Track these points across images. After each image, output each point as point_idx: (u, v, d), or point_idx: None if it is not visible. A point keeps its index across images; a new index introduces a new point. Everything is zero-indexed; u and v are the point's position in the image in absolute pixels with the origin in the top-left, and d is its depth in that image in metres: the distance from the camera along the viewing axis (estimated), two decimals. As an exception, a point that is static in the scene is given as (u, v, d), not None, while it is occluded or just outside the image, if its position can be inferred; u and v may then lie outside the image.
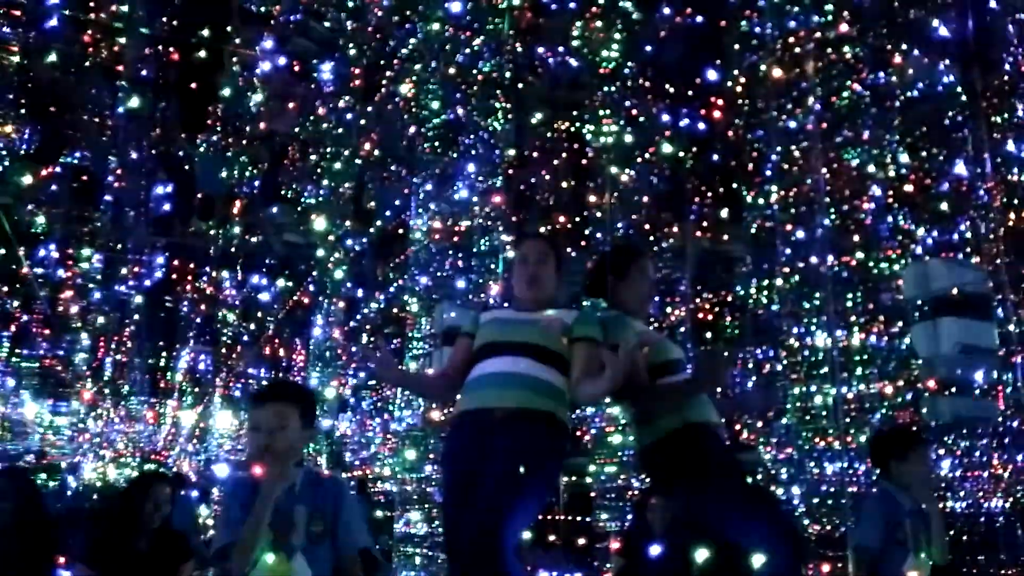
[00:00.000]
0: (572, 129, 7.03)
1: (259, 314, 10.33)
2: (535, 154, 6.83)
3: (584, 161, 7.10)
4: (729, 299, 7.76)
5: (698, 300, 7.81)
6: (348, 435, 9.67)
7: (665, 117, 6.83)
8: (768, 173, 6.96)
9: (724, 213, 6.70)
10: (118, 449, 9.57)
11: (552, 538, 6.66)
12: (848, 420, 6.05)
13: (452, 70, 6.24)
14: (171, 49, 7.18)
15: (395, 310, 8.81)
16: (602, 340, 3.19)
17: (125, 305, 9.35)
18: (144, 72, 7.17)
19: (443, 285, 6.94)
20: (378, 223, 7.69)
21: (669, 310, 7.77)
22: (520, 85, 6.65)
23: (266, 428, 2.60)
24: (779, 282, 6.86)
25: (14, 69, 5.86)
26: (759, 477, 6.57)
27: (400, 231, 7.71)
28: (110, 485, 8.46)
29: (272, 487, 2.54)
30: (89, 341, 9.43)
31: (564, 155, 6.97)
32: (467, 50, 6.28)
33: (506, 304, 3.52)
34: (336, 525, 2.66)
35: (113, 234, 8.30)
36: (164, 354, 10.50)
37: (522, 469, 2.85)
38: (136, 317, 9.54)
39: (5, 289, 8.49)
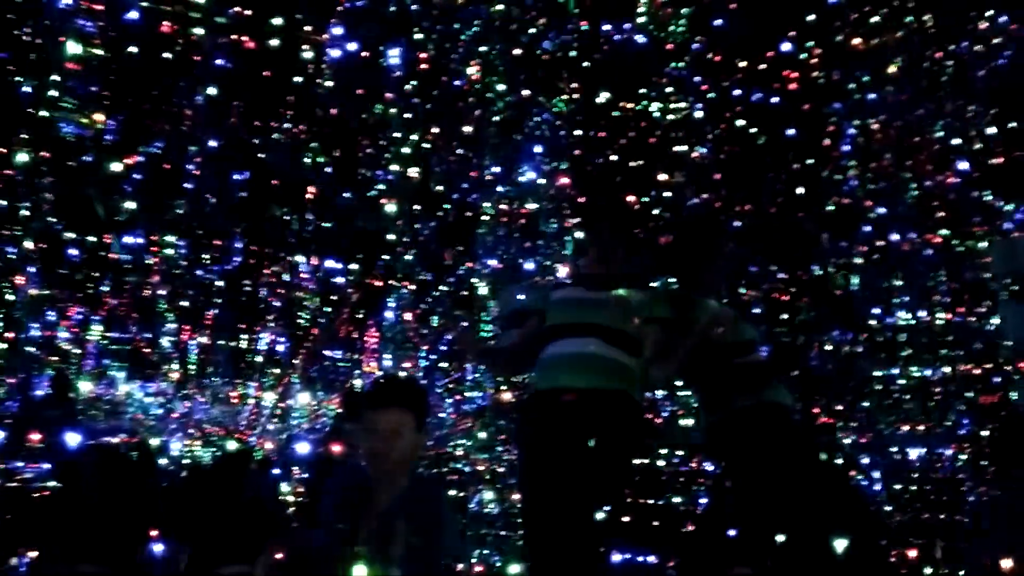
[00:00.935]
0: (639, 107, 6.93)
1: (333, 297, 10.57)
2: (602, 134, 6.76)
3: (652, 140, 6.99)
4: (805, 279, 7.54)
5: (772, 282, 7.62)
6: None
7: (736, 92, 6.65)
8: (846, 148, 6.72)
9: (799, 190, 6.49)
10: (203, 428, 9.97)
11: (625, 520, 6.64)
12: (932, 404, 5.83)
13: (517, 51, 6.21)
14: (245, 38, 7.37)
15: (463, 293, 8.89)
16: (674, 320, 3.18)
17: (207, 289, 9.70)
18: (219, 61, 7.40)
19: (510, 268, 6.95)
20: (446, 206, 7.76)
21: (742, 291, 7.61)
22: (586, 64, 6.58)
23: (383, 433, 2.50)
24: (858, 261, 6.63)
25: (98, 62, 6.14)
26: (838, 461, 6.40)
27: (468, 214, 7.76)
28: (198, 462, 8.83)
29: (384, 498, 2.45)
30: (175, 324, 9.85)
31: (631, 134, 6.87)
32: (532, 30, 6.24)
33: (574, 282, 3.49)
34: (435, 538, 2.57)
35: (194, 220, 8.61)
36: (244, 336, 10.88)
37: (597, 450, 2.88)
38: (218, 301, 9.89)
39: (96, 274, 8.92)
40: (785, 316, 7.60)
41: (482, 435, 7.07)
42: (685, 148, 6.70)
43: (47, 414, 7.44)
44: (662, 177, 6.63)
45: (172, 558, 4.25)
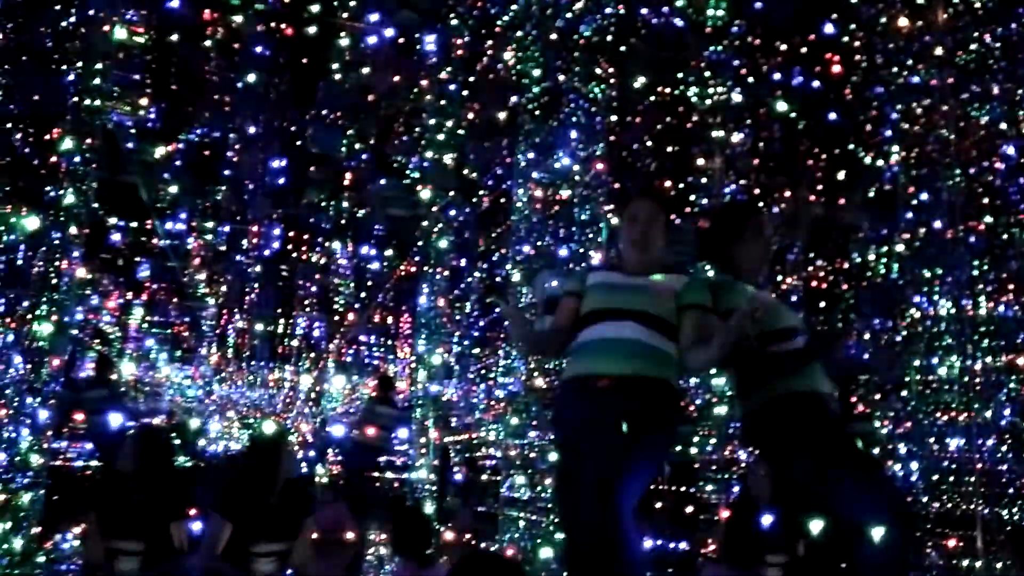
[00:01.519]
0: (676, 92, 6.85)
1: (369, 283, 10.67)
2: (638, 119, 6.69)
3: (689, 125, 6.91)
4: (845, 267, 7.43)
5: (811, 268, 7.52)
6: (454, 401, 9.91)
7: (776, 75, 6.54)
8: (888, 133, 6.57)
9: (840, 176, 6.36)
10: (241, 411, 10.16)
11: (658, 506, 6.62)
12: (972, 394, 5.71)
13: (553, 35, 6.17)
14: (284, 25, 7.43)
15: (497, 279, 8.91)
16: (712, 307, 3.15)
17: (246, 275, 9.84)
18: (259, 48, 7.47)
19: (545, 254, 6.94)
20: (480, 193, 7.76)
21: (780, 278, 7.51)
22: (622, 48, 6.50)
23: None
24: (899, 248, 6.50)
25: (140, 49, 6.23)
26: (875, 450, 6.32)
27: (502, 200, 7.76)
28: (236, 443, 9.00)
29: None
30: (214, 309, 10.02)
31: (668, 119, 6.80)
32: (567, 14, 6.19)
33: (612, 267, 3.45)
34: None
35: (234, 207, 8.73)
36: (281, 321, 11.04)
37: (632, 436, 2.85)
38: (256, 286, 10.04)
39: (138, 259, 9.10)
40: (823, 304, 7.50)
41: (514, 421, 7.07)
42: (722, 133, 6.61)
43: (91, 395, 7.63)
44: (699, 163, 6.54)
45: (210, 535, 4.33)
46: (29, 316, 5.92)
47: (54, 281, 5.92)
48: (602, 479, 2.80)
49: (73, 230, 5.97)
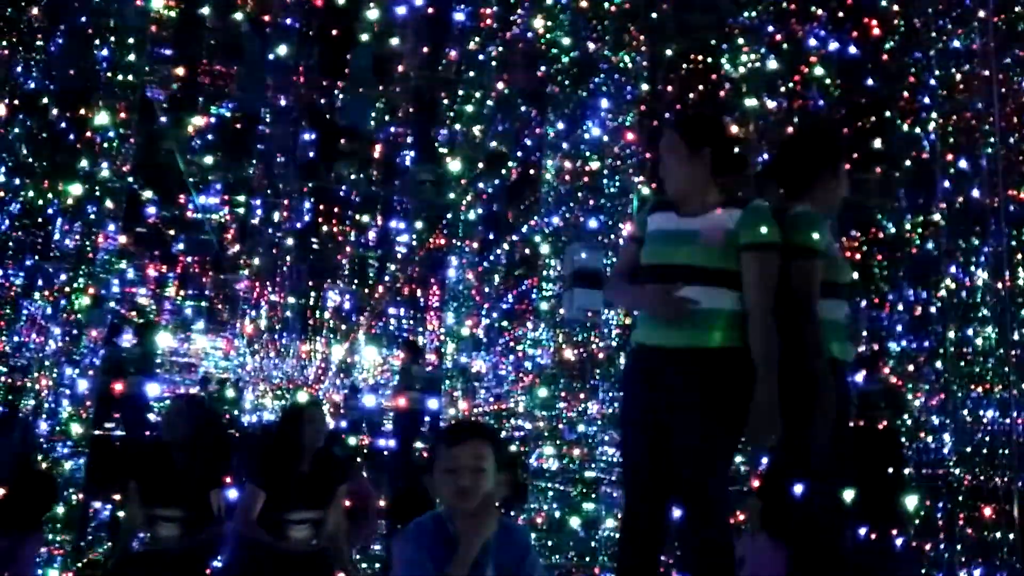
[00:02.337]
0: (709, 60, 6.73)
1: (398, 255, 10.73)
2: (669, 88, 6.60)
3: (722, 93, 6.79)
4: (880, 237, 7.30)
5: (845, 239, 7.40)
6: (483, 372, 9.96)
7: (812, 41, 6.39)
8: (926, 100, 6.42)
9: (877, 143, 6.21)
10: (275, 382, 10.32)
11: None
12: (1008, 366, 5.62)
13: (583, 3, 6.08)
14: (314, -4, 7.43)
15: (526, 251, 8.90)
16: (780, 241, 2.73)
17: (278, 247, 9.95)
18: (289, 20, 7.47)
19: (574, 226, 6.91)
20: (509, 164, 7.73)
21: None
22: (653, 15, 6.40)
23: (466, 468, 2.31)
24: (936, 218, 6.38)
25: (172, 23, 6.27)
26: (906, 419, 6.27)
27: (531, 172, 7.73)
28: (270, 414, 9.17)
29: (475, 541, 2.28)
30: (247, 282, 10.16)
31: (700, 87, 6.68)
32: (598, -19, 6.11)
33: (669, 205, 3.00)
34: None
35: (265, 180, 8.80)
36: (312, 294, 11.17)
37: (702, 415, 2.67)
38: (288, 259, 10.15)
39: (172, 232, 9.24)
40: (856, 275, 7.37)
41: (543, 393, 7.10)
42: (756, 102, 6.49)
43: (129, 366, 7.81)
44: (732, 131, 6.43)
45: (245, 503, 4.43)
46: (67, 289, 6.05)
47: (91, 255, 6.03)
48: (689, 470, 2.68)
49: (109, 204, 6.07)
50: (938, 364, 6.31)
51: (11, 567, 3.84)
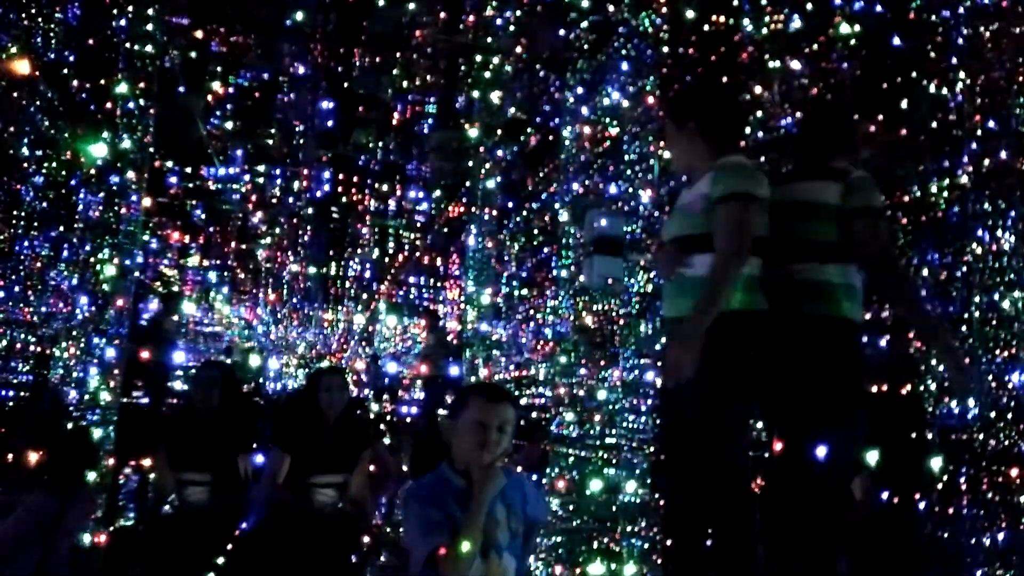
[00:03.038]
0: (731, 21, 6.60)
1: (417, 224, 10.73)
2: (691, 50, 6.48)
3: (744, 55, 6.66)
4: (905, 200, 7.17)
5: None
6: (503, 340, 10.00)
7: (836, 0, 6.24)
8: (954, 59, 6.27)
9: (903, 104, 6.06)
10: (298, 350, 10.43)
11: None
12: (1036, 331, 5.55)
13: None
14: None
15: (546, 218, 8.87)
16: (751, 191, 2.77)
17: (298, 217, 9.99)
18: (305, -11, 7.43)
19: (593, 192, 6.87)
20: (528, 131, 7.67)
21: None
22: (674, -24, 6.28)
23: (494, 425, 2.48)
24: (963, 181, 6.27)
25: (188, -8, 6.28)
26: (931, 384, 6.23)
27: (550, 138, 7.67)
28: (294, 381, 9.28)
29: (489, 490, 2.42)
30: (269, 251, 10.22)
31: (722, 49, 6.56)
32: (618, -59, 5.99)
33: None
34: (529, 520, 2.59)
35: (285, 149, 8.80)
36: (333, 263, 11.23)
37: (699, 378, 2.68)
38: (308, 228, 10.19)
39: (193, 202, 9.29)
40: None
41: (563, 360, 7.12)
42: (779, 63, 6.37)
43: (155, 334, 7.91)
44: (756, 90, 6.31)
45: (271, 467, 4.50)
46: (92, 259, 6.13)
47: (115, 225, 6.08)
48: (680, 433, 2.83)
49: (131, 174, 6.11)
50: (963, 329, 6.24)
51: (61, 527, 3.96)
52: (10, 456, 4.77)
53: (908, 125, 6.41)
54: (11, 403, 6.73)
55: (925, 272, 7.08)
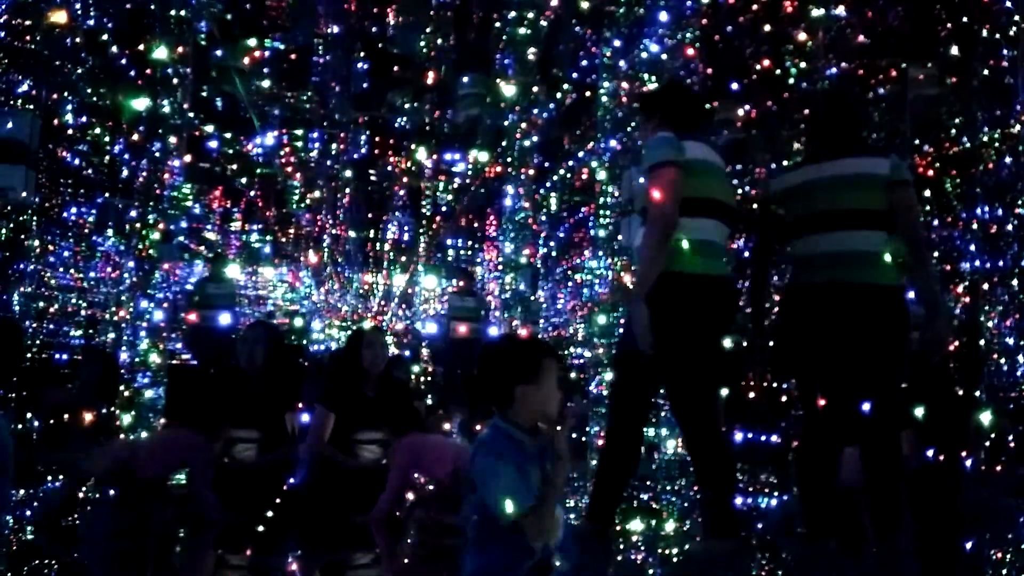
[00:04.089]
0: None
1: (454, 185, 10.71)
2: (731, 0, 6.29)
3: (788, 5, 6.45)
4: (954, 152, 6.96)
5: (917, 154, 7.08)
6: (541, 301, 10.00)
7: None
8: (1008, 3, 6.01)
9: (954, 51, 5.83)
10: (339, 312, 10.57)
11: (751, 396, 6.60)
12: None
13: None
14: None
15: (583, 177, 8.78)
16: (669, 159, 3.18)
17: (336, 180, 10.03)
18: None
19: (631, 150, 6.76)
20: (564, 88, 7.56)
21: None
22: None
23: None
24: (1015, 131, 6.05)
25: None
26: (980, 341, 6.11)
27: (587, 95, 7.55)
28: (336, 343, 9.42)
29: (564, 449, 2.36)
30: (309, 215, 10.31)
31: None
32: None
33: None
34: None
35: (322, 111, 8.80)
36: (372, 226, 11.29)
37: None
38: (346, 191, 10.23)
39: (234, 166, 9.37)
40: (928, 192, 7.09)
41: (601, 320, 7.11)
42: (823, 11, 6.16)
43: (205, 293, 8.06)
44: (800, 38, 6.11)
45: (316, 425, 4.59)
46: (138, 225, 6.24)
47: (158, 191, 6.17)
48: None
49: (172, 139, 6.18)
50: (1013, 284, 6.09)
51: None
52: (66, 416, 4.93)
53: (959, 73, 6.19)
54: (65, 366, 6.93)
55: (975, 225, 6.89)
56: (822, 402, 3.25)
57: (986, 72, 6.32)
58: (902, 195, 3.28)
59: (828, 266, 3.26)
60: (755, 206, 3.91)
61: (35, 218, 7.08)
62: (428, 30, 7.86)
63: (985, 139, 6.38)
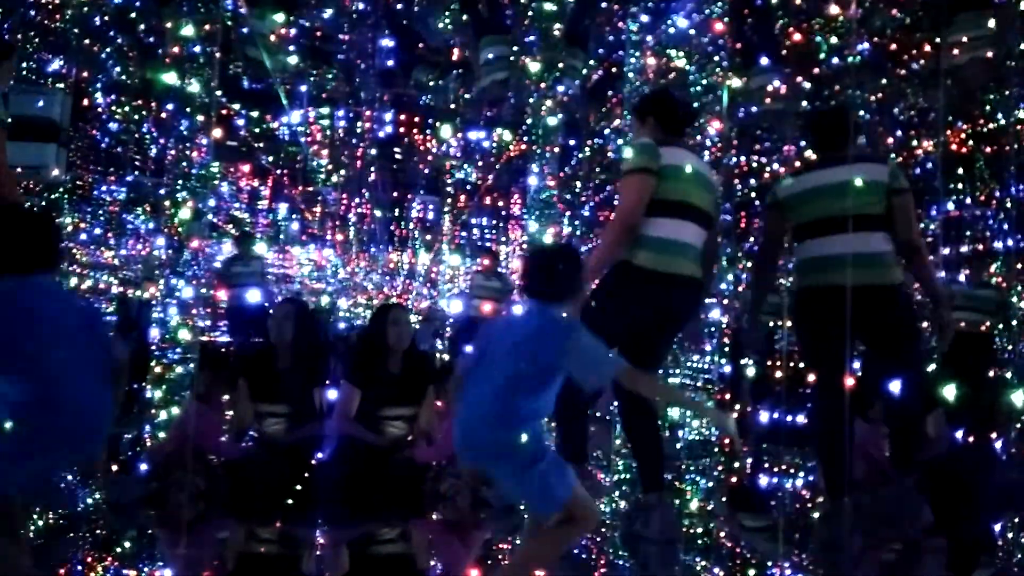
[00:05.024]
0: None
1: (479, 163, 10.68)
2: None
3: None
4: (988, 129, 6.81)
5: (951, 131, 6.94)
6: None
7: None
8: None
9: (990, 24, 5.67)
10: (365, 290, 10.61)
11: (778, 375, 6.56)
12: None
13: None
14: None
15: (609, 154, 8.71)
16: (642, 165, 3.47)
17: (362, 158, 10.03)
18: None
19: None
20: (590, 64, 7.46)
21: (916, 143, 6.98)
22: None
23: None
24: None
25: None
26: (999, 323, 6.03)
27: (613, 71, 7.46)
28: (362, 321, 9.47)
29: None
30: (335, 193, 10.34)
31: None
32: None
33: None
34: None
35: (347, 89, 8.78)
36: (397, 205, 11.31)
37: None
38: (372, 170, 10.23)
39: (261, 145, 9.42)
40: (961, 170, 6.97)
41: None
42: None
43: (234, 271, 8.13)
44: (832, 11, 5.98)
45: (343, 401, 4.64)
46: (167, 203, 6.30)
47: (187, 169, 6.22)
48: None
49: (200, 118, 6.20)
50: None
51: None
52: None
53: (994, 47, 6.02)
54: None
55: (1008, 204, 6.76)
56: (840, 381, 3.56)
57: (1022, 47, 6.14)
58: (901, 201, 3.58)
59: (837, 268, 3.49)
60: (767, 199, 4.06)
61: (66, 196, 7.18)
62: (452, 6, 7.78)
63: (1021, 115, 6.22)
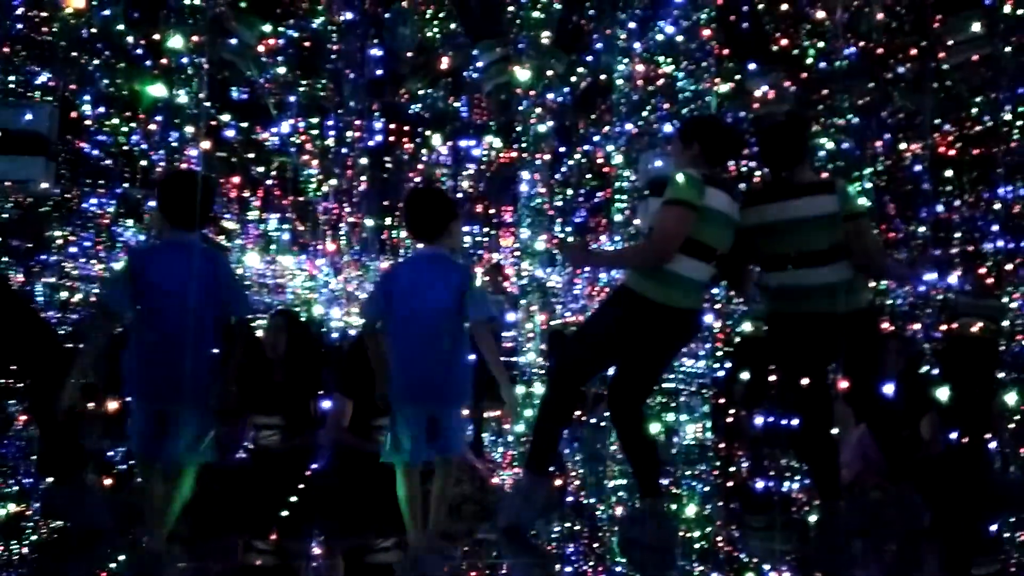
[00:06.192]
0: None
1: (468, 171, 10.68)
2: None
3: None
4: (975, 131, 6.86)
5: (938, 134, 6.99)
6: (558, 287, 9.98)
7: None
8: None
9: (976, 27, 5.72)
10: (357, 300, 10.57)
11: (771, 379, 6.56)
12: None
13: None
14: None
15: (599, 161, 8.73)
16: (684, 198, 3.49)
17: (352, 168, 10.01)
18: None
19: (647, 133, 6.71)
20: (580, 70, 7.50)
21: (904, 145, 7.03)
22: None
23: None
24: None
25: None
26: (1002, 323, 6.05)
27: (602, 77, 7.49)
28: (354, 331, 9.43)
29: None
30: (326, 203, 10.31)
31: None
32: None
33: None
34: None
35: (337, 98, 8.78)
36: (388, 214, 11.28)
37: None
38: (363, 178, 10.21)
39: (249, 155, 9.40)
40: (950, 172, 7.01)
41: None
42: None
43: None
44: (819, 16, 6.03)
45: (335, 412, 4.61)
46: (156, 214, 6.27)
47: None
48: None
49: (189, 129, 6.20)
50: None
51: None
52: (91, 404, 4.98)
53: (981, 50, 6.08)
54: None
55: (997, 206, 6.80)
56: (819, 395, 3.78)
57: (1008, 49, 6.21)
58: (856, 227, 3.74)
59: (806, 297, 3.70)
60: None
61: (55, 209, 7.14)
62: (427, 16, 7.80)
63: (1008, 117, 6.27)
